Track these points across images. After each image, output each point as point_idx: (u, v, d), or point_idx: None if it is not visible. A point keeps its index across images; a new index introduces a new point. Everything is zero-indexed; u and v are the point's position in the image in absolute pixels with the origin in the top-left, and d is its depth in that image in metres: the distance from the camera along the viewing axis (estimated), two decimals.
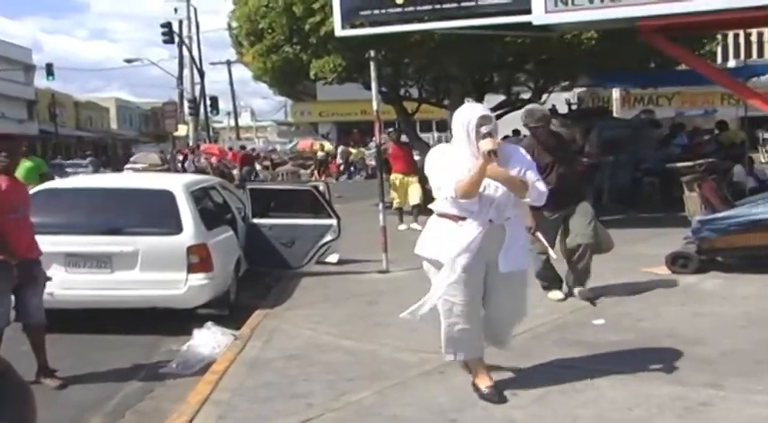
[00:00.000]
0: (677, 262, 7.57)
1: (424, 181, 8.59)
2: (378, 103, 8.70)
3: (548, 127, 6.49)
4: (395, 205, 12.32)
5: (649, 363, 4.79)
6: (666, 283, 7.21)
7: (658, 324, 5.84)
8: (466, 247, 4.04)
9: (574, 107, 18.87)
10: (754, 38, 38.07)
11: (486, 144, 3.87)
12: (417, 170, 11.97)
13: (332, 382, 4.76)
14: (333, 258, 8.71)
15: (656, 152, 14.63)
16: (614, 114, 23.07)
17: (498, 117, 18.01)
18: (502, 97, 18.11)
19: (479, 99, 17.29)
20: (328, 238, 8.06)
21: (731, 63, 33.38)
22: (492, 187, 4.03)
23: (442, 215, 4.20)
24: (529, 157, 4.34)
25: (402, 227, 11.91)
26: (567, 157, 6.68)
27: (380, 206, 8.78)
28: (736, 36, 37.10)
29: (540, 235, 6.20)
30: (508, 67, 15.42)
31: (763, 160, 22.35)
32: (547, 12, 9.21)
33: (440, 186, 4.05)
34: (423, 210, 11.27)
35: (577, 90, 23.03)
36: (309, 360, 5.26)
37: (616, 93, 24.65)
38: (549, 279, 6.77)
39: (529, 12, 9.31)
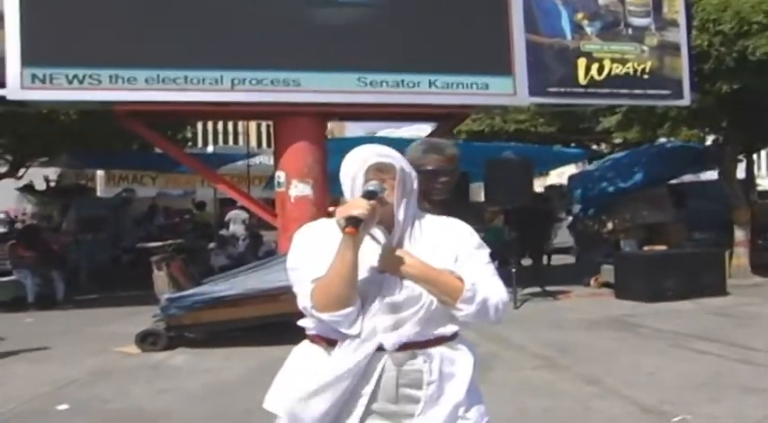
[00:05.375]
0: (147, 340, 7.86)
1: None
2: None
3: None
4: None
5: None
6: (136, 362, 7.43)
7: (126, 404, 5.97)
8: (323, 399, 2.09)
9: (53, 184, 18.48)
10: (221, 127, 42.66)
11: (349, 207, 2.05)
12: None
13: None
14: None
15: (135, 231, 15.18)
16: (98, 192, 23.10)
17: None
18: None
19: None
20: None
21: (210, 148, 36.29)
22: (391, 285, 2.14)
23: (312, 339, 2.28)
24: (472, 233, 2.29)
25: None
26: None
27: None
28: (215, 124, 40.85)
29: None
30: None
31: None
32: (23, 88, 8.98)
33: (297, 291, 2.20)
34: None
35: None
36: None
37: (101, 170, 24.50)
38: None
39: (3, 85, 8.97)
